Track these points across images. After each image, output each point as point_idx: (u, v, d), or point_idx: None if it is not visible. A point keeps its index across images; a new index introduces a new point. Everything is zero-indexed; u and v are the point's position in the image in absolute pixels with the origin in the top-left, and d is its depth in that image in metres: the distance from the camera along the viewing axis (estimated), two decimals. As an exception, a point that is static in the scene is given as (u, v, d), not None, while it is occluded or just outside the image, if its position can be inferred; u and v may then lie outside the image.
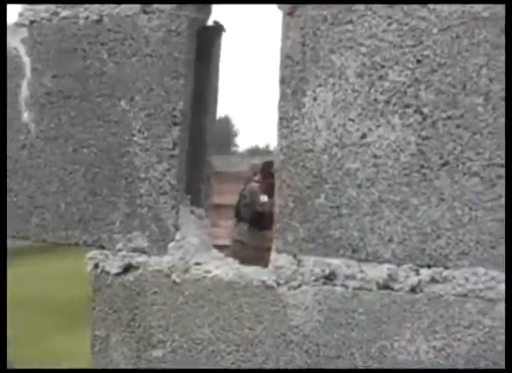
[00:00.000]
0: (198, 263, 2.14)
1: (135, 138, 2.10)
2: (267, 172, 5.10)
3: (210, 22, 2.31)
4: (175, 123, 2.05)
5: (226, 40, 2.37)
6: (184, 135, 2.07)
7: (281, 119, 1.98)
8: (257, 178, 5.12)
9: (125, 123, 2.11)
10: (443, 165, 1.82)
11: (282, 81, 1.99)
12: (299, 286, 1.97)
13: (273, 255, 2.01)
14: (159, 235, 2.06)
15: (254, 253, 4.63)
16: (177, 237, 2.14)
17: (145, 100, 2.10)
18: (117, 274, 2.22)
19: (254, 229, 4.93)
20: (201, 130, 2.35)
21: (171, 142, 2.06)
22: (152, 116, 2.09)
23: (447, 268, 1.81)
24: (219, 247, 5.05)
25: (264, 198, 5.04)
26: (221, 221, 5.90)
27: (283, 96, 1.99)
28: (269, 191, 4.98)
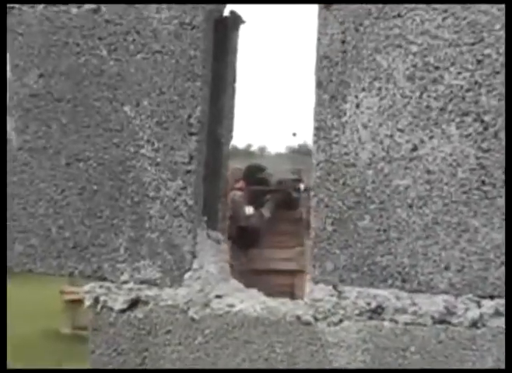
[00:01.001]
0: (218, 296, 2.40)
1: (143, 151, 2.31)
2: (252, 179, 5.14)
3: (226, 13, 2.59)
4: (191, 133, 2.23)
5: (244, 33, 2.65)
6: (201, 147, 2.26)
7: (317, 129, 2.25)
8: (239, 185, 5.08)
9: (130, 133, 2.32)
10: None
11: (319, 85, 2.26)
12: (341, 321, 2.17)
13: (309, 286, 2.27)
14: (173, 264, 2.28)
15: (239, 278, 4.66)
16: (195, 266, 2.39)
17: (154, 106, 2.29)
18: (123, 311, 2.47)
19: (238, 248, 4.92)
20: (217, 139, 2.62)
21: (187, 155, 2.23)
22: (164, 124, 2.25)
23: (512, 299, 2.09)
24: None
25: (249, 210, 5.07)
26: None
27: (320, 102, 2.25)
28: (255, 201, 5.00)
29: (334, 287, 2.11)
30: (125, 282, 2.28)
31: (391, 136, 2.03)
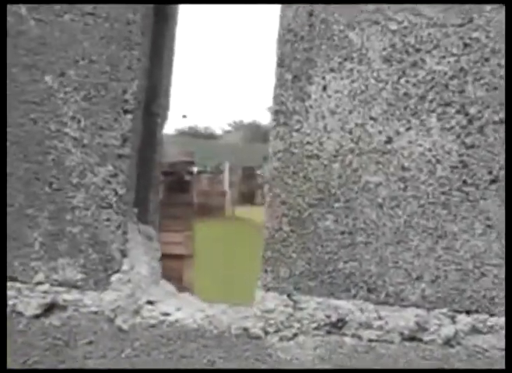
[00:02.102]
0: (150, 302, 2.10)
1: (67, 129, 2.07)
2: None
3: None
4: (126, 111, 2.03)
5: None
6: (136, 127, 2.07)
7: (277, 113, 1.97)
8: None
9: (52, 107, 2.07)
10: (493, 181, 1.87)
11: (281, 62, 1.97)
12: (295, 336, 1.97)
13: (259, 293, 2.00)
14: (98, 264, 2.01)
15: None
16: (125, 267, 2.08)
17: (82, 76, 2.10)
18: (36, 316, 2.13)
19: None
20: (151, 120, 2.30)
21: (119, 137, 2.03)
22: (93, 99, 2.04)
23: (492, 315, 1.87)
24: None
25: None
26: None
27: (281, 83, 1.97)
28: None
29: (289, 296, 1.93)
30: (39, 283, 2.10)
31: (362, 125, 1.83)
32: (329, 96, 1.86)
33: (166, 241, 5.17)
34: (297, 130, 1.89)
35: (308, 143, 1.88)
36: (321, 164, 1.87)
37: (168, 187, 5.30)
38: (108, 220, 2.05)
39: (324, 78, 1.86)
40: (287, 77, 1.95)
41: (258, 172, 29.09)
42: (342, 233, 1.88)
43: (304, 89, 1.89)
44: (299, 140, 1.88)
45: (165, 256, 4.89)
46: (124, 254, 2.03)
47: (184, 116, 41.09)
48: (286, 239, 1.89)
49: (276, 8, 1.96)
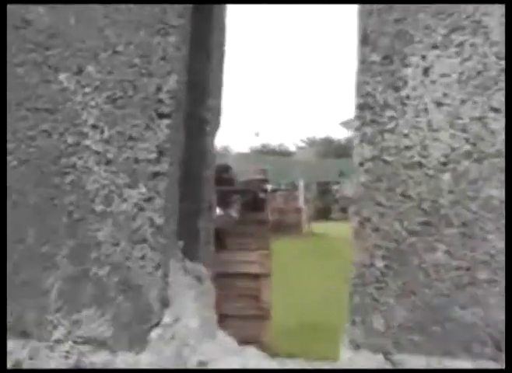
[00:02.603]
0: (203, 363, 1.62)
1: (88, 141, 1.67)
2: (217, 178, 4.96)
3: None
4: (161, 115, 1.62)
5: None
6: (176, 136, 1.67)
7: (361, 108, 1.50)
8: None
9: (68, 114, 1.68)
10: None
11: (364, 39, 1.49)
12: None
13: (345, 352, 1.51)
14: (133, 316, 1.63)
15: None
16: (167, 319, 1.61)
17: (104, 73, 1.66)
18: (56, 384, 1.66)
19: None
20: (197, 127, 1.82)
21: (154, 149, 1.63)
22: (119, 101, 1.65)
23: None
24: None
25: (216, 211, 4.93)
26: None
27: (366, 67, 1.50)
28: (222, 202, 4.74)
29: (386, 355, 1.48)
30: (59, 341, 1.66)
31: (481, 119, 1.43)
32: (433, 82, 1.45)
33: (242, 260, 4.96)
34: (391, 131, 1.48)
35: (407, 147, 1.47)
36: (426, 175, 1.46)
37: (242, 206, 5.13)
38: (143, 258, 1.61)
39: (424, 57, 1.47)
40: (374, 58, 1.47)
41: (333, 187, 28.83)
42: (458, 269, 1.44)
43: (398, 74, 1.48)
44: (393, 143, 1.48)
45: (241, 276, 4.68)
46: (165, 302, 1.62)
47: (257, 134, 40.97)
48: (381, 279, 1.48)
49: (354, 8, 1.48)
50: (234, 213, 5.07)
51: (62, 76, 1.67)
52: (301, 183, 21.32)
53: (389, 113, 1.48)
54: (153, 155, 1.61)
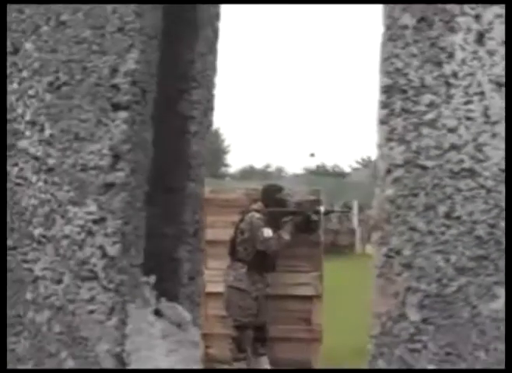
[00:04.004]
0: None
1: (23, 142, 1.32)
2: (269, 199, 4.83)
3: None
4: (117, 106, 1.28)
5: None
6: (139, 134, 1.30)
7: (387, 92, 1.09)
8: (256, 206, 4.90)
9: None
10: None
11: None
12: None
13: None
14: None
15: (256, 304, 4.30)
16: None
17: (46, 51, 1.31)
18: None
19: (255, 272, 4.74)
20: (179, 125, 1.42)
21: (108, 151, 1.27)
22: (64, 88, 1.30)
23: None
24: (209, 295, 4.50)
25: (268, 232, 4.76)
26: (210, 261, 5.61)
27: (394, 32, 1.11)
28: (273, 223, 4.59)
29: None
30: None
31: None
32: (491, 53, 1.09)
33: (293, 282, 4.70)
34: (430, 124, 1.15)
35: (453, 147, 1.13)
36: (481, 187, 1.11)
37: (295, 227, 4.91)
38: (92, 301, 1.21)
39: (478, 17, 1.11)
40: (406, 21, 1.05)
41: (388, 209, 28.74)
42: None
43: (441, 42, 1.12)
44: (434, 142, 1.15)
45: (293, 298, 4.43)
46: (121, 361, 1.25)
47: (312, 155, 40.75)
48: (417, 338, 1.10)
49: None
50: (286, 235, 4.80)
51: (-8, 54, 1.30)
52: (355, 204, 21.21)
53: (428, 98, 1.13)
54: (106, 161, 1.21)
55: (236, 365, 4.31)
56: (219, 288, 4.94)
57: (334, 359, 5.38)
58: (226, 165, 43.07)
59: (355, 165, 41.49)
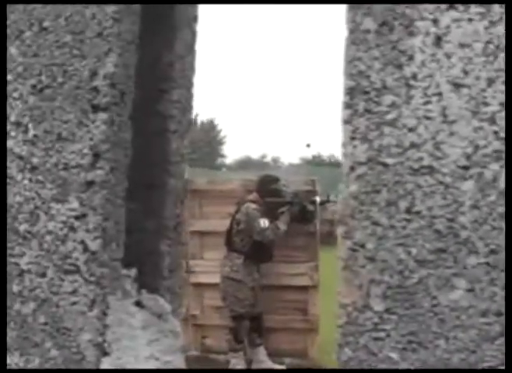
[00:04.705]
0: None
1: (9, 143, 1.37)
2: (265, 190, 4.78)
3: None
4: (96, 107, 1.31)
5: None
6: (118, 134, 1.33)
7: (351, 93, 1.11)
8: (252, 197, 4.87)
9: None
10: None
11: None
12: None
13: None
14: (60, 365, 1.29)
15: (252, 295, 4.41)
16: None
17: (29, 55, 1.35)
18: None
19: (251, 263, 4.72)
20: (159, 124, 1.46)
21: (88, 150, 1.31)
22: (46, 91, 1.34)
23: None
24: (205, 286, 4.50)
25: (264, 223, 4.74)
26: (206, 252, 5.63)
27: (356, 36, 1.17)
28: (270, 213, 4.57)
29: None
30: None
31: None
32: (448, 56, 1.14)
33: (290, 272, 4.69)
34: (392, 123, 1.18)
35: (413, 146, 1.17)
36: (440, 184, 1.15)
37: (292, 217, 4.88)
38: (74, 293, 1.27)
39: (436, 22, 1.15)
40: (368, 25, 1.10)
41: (385, 198, 28.50)
42: (485, 314, 1.09)
43: (401, 46, 1.14)
44: (395, 141, 1.18)
45: (289, 288, 4.43)
46: (102, 350, 1.29)
47: (308, 145, 40.37)
48: (380, 327, 1.14)
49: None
50: (282, 225, 4.78)
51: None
52: (352, 194, 21.43)
53: (389, 98, 1.17)
54: (87, 160, 1.25)
55: (233, 356, 4.34)
56: (215, 279, 4.94)
57: (329, 347, 5.40)
58: (223, 156, 42.72)
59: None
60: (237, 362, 3.99)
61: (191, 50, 1.59)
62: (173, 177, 1.54)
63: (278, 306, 4.42)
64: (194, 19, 1.59)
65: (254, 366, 3.95)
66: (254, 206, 4.76)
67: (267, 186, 4.81)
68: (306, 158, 37.32)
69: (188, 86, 1.57)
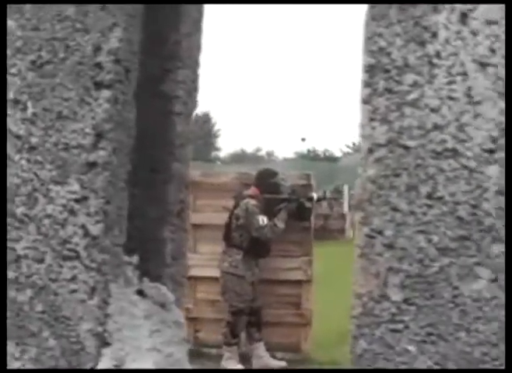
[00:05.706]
0: None
1: (7, 122, 1.31)
2: (264, 184, 4.80)
3: None
4: (100, 85, 1.26)
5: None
6: (121, 113, 1.28)
7: (370, 71, 1.07)
8: (251, 192, 4.87)
9: None
10: None
11: None
12: None
13: None
14: (60, 358, 1.25)
15: (252, 290, 4.43)
16: (105, 363, 1.21)
17: (28, 28, 1.30)
18: None
19: (250, 258, 4.76)
20: (163, 105, 1.41)
21: (91, 130, 1.26)
22: (47, 66, 1.29)
23: None
24: (199, 279, 4.47)
25: (263, 220, 4.74)
26: (200, 245, 5.63)
27: (377, 11, 1.15)
28: (268, 210, 4.59)
29: None
30: None
31: None
32: (474, 33, 1.07)
33: (284, 266, 4.70)
34: (413, 104, 1.14)
35: (436, 128, 1.12)
36: (464, 168, 1.10)
37: (289, 214, 4.89)
38: (74, 280, 1.23)
39: None
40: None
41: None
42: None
43: (424, 22, 1.09)
44: (417, 122, 1.12)
45: (283, 282, 4.46)
46: (102, 340, 1.25)
47: (303, 139, 40.44)
48: (398, 319, 1.09)
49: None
50: (281, 223, 4.78)
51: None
52: (346, 189, 21.15)
53: (411, 77, 1.13)
54: (89, 140, 1.20)
55: (227, 349, 4.30)
56: (208, 272, 4.93)
57: (322, 342, 5.39)
58: (217, 149, 42.80)
59: (346, 150, 41.34)
60: (230, 356, 3.96)
61: (197, 27, 1.53)
62: (177, 161, 1.49)
63: (271, 300, 4.42)
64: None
65: (254, 361, 3.92)
66: (253, 202, 4.75)
67: (266, 179, 4.81)
68: (300, 153, 37.44)
69: (194, 66, 1.52)
